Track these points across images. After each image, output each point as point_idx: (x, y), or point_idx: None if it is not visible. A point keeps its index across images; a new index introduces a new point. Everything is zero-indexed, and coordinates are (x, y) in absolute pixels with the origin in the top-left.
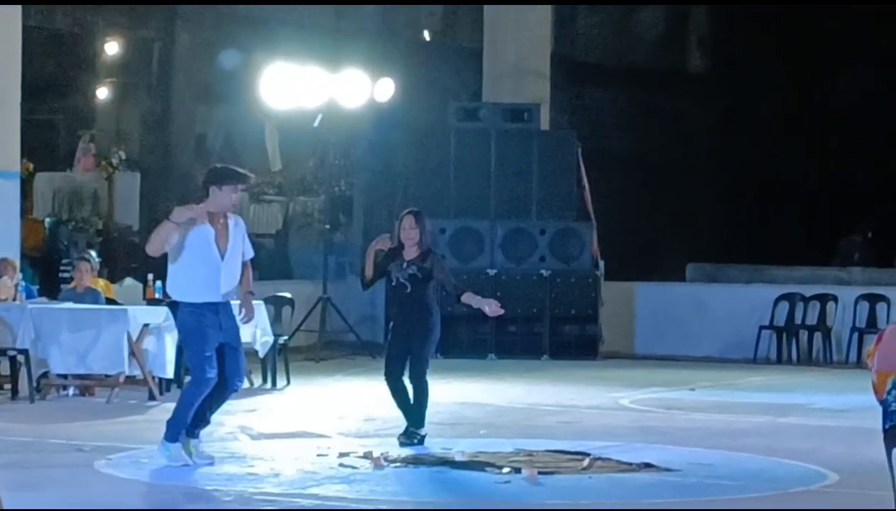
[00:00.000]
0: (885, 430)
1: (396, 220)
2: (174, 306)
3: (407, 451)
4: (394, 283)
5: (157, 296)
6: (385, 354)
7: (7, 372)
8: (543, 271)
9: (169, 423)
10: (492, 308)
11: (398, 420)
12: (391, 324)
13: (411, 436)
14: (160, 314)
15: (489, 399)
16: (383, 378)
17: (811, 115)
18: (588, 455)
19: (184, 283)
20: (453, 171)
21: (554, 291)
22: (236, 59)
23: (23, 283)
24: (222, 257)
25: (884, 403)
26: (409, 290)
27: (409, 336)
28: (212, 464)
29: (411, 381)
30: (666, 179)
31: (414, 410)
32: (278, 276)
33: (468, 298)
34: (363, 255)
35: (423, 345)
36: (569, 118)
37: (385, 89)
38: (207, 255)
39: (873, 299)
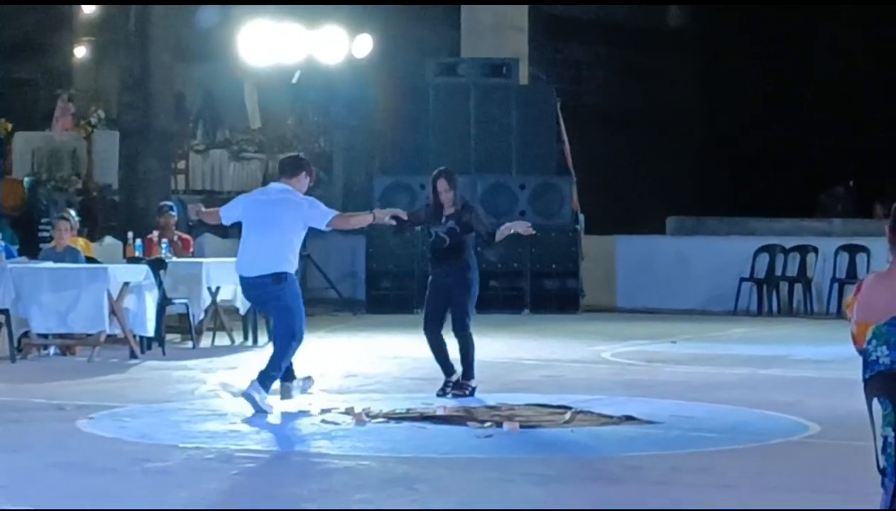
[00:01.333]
0: (865, 381)
1: (429, 182)
2: (280, 278)
3: (387, 407)
4: (433, 238)
5: (137, 254)
6: (424, 309)
7: None
8: None
9: (267, 373)
10: (524, 228)
11: (379, 376)
12: (429, 278)
13: (461, 387)
14: (140, 272)
15: None
16: (423, 332)
17: (791, 68)
18: (570, 408)
19: (295, 258)
20: (432, 126)
21: (534, 246)
22: (214, 16)
23: (2, 244)
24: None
25: (864, 353)
26: (447, 243)
27: (448, 289)
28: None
29: (455, 333)
30: (646, 133)
31: (462, 363)
32: None
33: (502, 233)
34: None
35: (464, 296)
36: (548, 73)
37: (363, 45)
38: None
39: (853, 250)
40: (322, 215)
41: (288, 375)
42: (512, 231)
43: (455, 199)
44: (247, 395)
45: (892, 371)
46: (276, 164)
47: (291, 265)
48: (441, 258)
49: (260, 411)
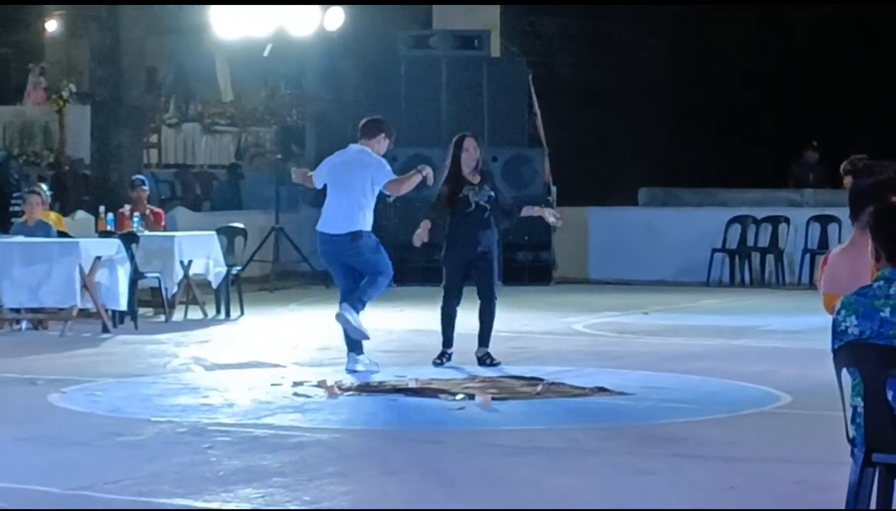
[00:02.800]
0: (834, 351)
1: (451, 145)
2: (357, 236)
3: (356, 380)
4: (472, 207)
5: (108, 228)
6: (446, 281)
7: None
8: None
9: (357, 296)
10: (553, 217)
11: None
12: (455, 251)
13: (490, 357)
14: (112, 246)
15: None
16: (441, 305)
17: (762, 38)
18: (541, 380)
19: (369, 216)
20: (404, 99)
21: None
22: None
23: None
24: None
25: (833, 324)
26: (487, 212)
27: (479, 264)
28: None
29: (486, 303)
30: (617, 105)
31: (488, 333)
32: (230, 207)
33: (527, 211)
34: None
35: (495, 265)
36: (520, 45)
37: (335, 18)
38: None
39: (825, 220)
40: (383, 178)
41: (358, 348)
42: (536, 213)
43: (478, 163)
44: (339, 317)
45: (861, 341)
46: (249, 136)
47: (365, 223)
48: (476, 228)
49: (355, 332)
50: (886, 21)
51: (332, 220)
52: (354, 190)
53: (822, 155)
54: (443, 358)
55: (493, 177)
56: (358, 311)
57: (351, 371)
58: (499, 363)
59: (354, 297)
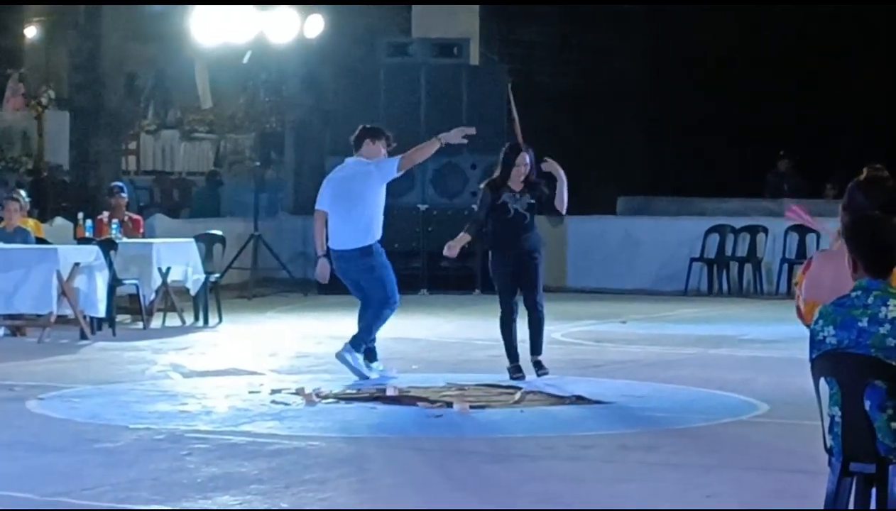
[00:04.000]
0: (811, 361)
1: (502, 154)
2: (367, 251)
3: (338, 387)
4: (511, 214)
5: (87, 234)
6: (501, 293)
7: None
8: (475, 206)
9: (359, 335)
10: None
11: (330, 357)
12: (500, 257)
13: (539, 366)
14: (90, 253)
15: (421, 334)
16: (501, 321)
17: (739, 48)
18: (519, 388)
19: (378, 228)
20: (383, 106)
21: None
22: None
23: None
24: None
25: (811, 333)
26: (528, 220)
27: (525, 266)
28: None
29: (535, 309)
30: (596, 114)
31: (539, 340)
32: (209, 214)
33: (547, 166)
34: (296, 192)
35: (540, 272)
36: (499, 53)
37: (314, 26)
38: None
39: (803, 230)
40: (391, 167)
41: (372, 356)
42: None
43: (529, 175)
44: (340, 357)
45: (839, 351)
46: (228, 143)
47: (374, 236)
48: (519, 235)
49: (357, 373)
50: (861, 30)
51: (342, 237)
52: (361, 203)
53: (796, 164)
54: (517, 372)
55: (540, 184)
56: (360, 351)
57: (365, 378)
58: (546, 372)
59: (357, 337)
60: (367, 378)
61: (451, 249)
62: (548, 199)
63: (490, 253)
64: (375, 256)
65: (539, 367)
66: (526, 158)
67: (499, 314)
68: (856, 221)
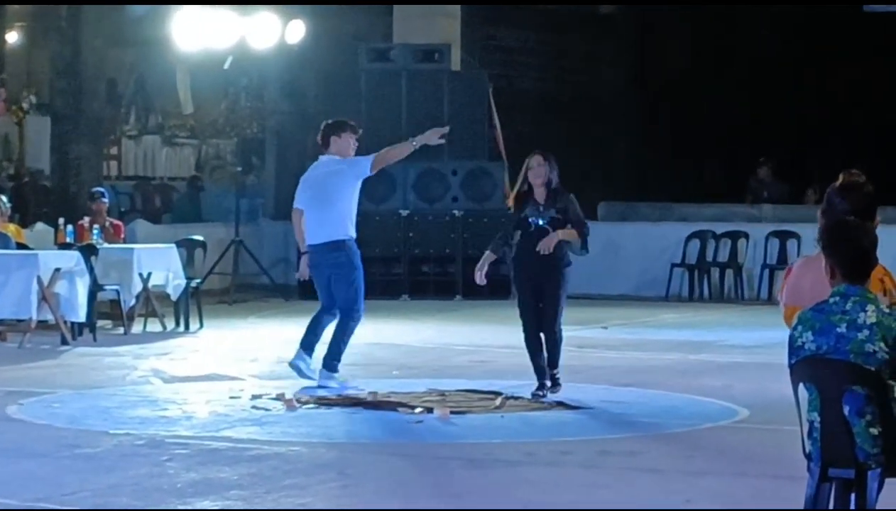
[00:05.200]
0: (790, 367)
1: (525, 164)
2: (337, 245)
3: (320, 392)
4: (532, 229)
5: (68, 240)
6: (521, 310)
7: None
8: (456, 212)
9: (330, 356)
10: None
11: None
12: (520, 272)
13: (555, 381)
14: (71, 258)
15: (402, 339)
16: (524, 338)
17: (721, 54)
18: (500, 394)
19: (351, 224)
20: (364, 112)
21: (467, 232)
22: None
23: None
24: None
25: (790, 339)
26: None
27: (544, 284)
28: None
29: (550, 330)
30: (577, 119)
31: (554, 358)
32: (190, 219)
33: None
34: (276, 197)
35: (560, 292)
36: (480, 58)
37: (296, 31)
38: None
39: (784, 236)
40: (363, 166)
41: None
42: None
43: (549, 181)
44: (293, 366)
45: (818, 356)
46: (209, 149)
47: (347, 232)
48: (538, 251)
49: (304, 377)
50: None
51: (315, 231)
52: (332, 199)
53: (778, 171)
54: (541, 390)
55: (566, 196)
56: (336, 370)
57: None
58: (558, 388)
59: (330, 355)
60: (313, 379)
61: (479, 273)
62: (576, 218)
63: (512, 266)
64: (347, 253)
65: (551, 383)
66: (540, 159)
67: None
68: (832, 227)
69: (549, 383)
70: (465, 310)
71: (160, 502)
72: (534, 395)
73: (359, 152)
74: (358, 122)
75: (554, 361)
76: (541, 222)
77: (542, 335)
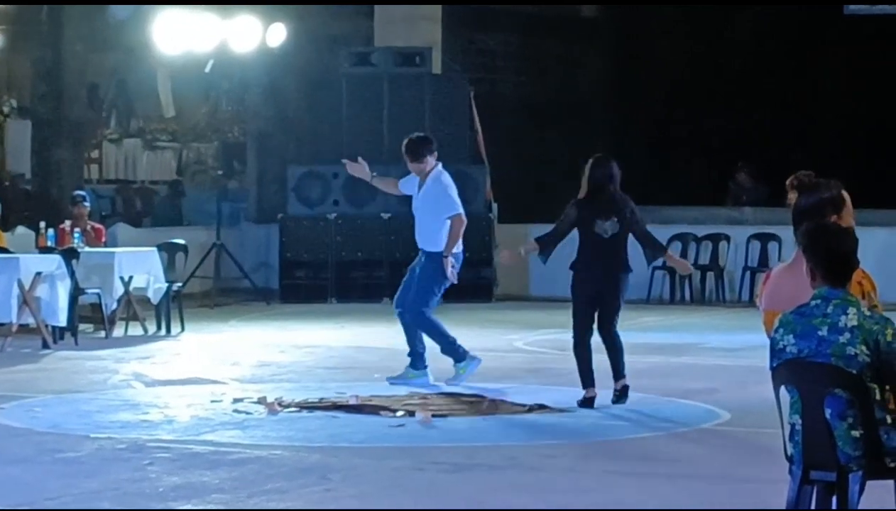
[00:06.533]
0: (772, 369)
1: (584, 164)
2: (428, 256)
3: (300, 396)
4: (597, 236)
5: (49, 244)
6: (576, 317)
7: None
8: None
9: (448, 351)
10: (683, 267)
11: (292, 365)
12: (585, 280)
13: (623, 391)
14: (52, 262)
15: (383, 343)
16: (573, 344)
17: (703, 57)
18: (482, 397)
19: (438, 240)
20: (346, 116)
21: None
22: (128, 7)
23: None
24: (415, 212)
25: (771, 342)
26: (614, 243)
27: (603, 291)
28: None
29: (610, 336)
30: (558, 122)
31: (620, 364)
32: (171, 223)
33: (669, 257)
34: (258, 201)
35: (619, 301)
36: (461, 62)
37: (277, 35)
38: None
39: (765, 238)
40: (442, 209)
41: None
42: (674, 265)
43: (614, 191)
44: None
45: (799, 359)
46: (190, 152)
47: (435, 245)
48: (604, 258)
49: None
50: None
51: (418, 236)
52: (424, 214)
53: (757, 173)
54: (587, 402)
55: (627, 203)
56: (459, 356)
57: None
58: (623, 400)
59: (448, 350)
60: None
61: (523, 249)
62: (639, 228)
63: (572, 272)
64: (429, 263)
65: (620, 392)
66: (600, 163)
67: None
68: (813, 230)
69: (618, 390)
70: (447, 313)
71: (142, 506)
72: (580, 403)
73: (339, 158)
74: (339, 126)
75: (618, 370)
76: (609, 230)
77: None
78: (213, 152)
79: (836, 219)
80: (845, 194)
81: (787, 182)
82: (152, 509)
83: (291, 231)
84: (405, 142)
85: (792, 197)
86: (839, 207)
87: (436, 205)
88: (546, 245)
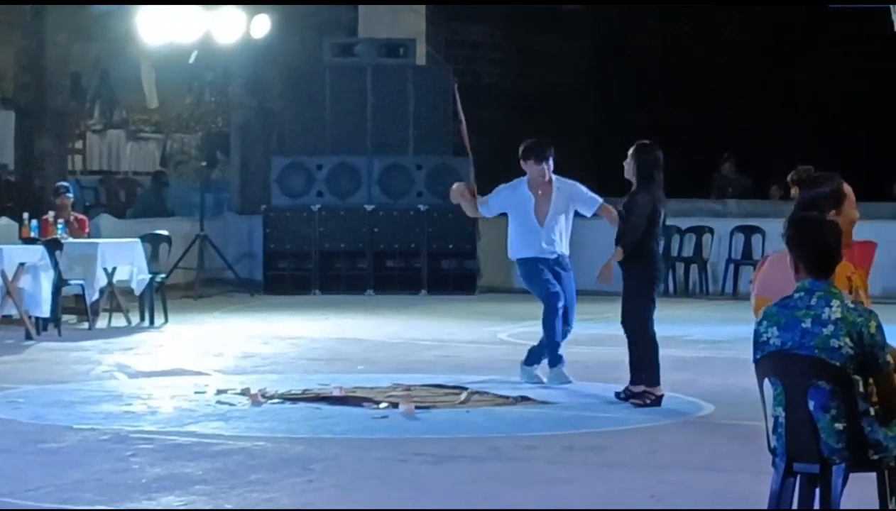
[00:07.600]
0: (756, 362)
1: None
2: (518, 263)
3: (284, 388)
4: (660, 227)
5: (32, 234)
6: (653, 310)
7: None
8: (421, 206)
9: (545, 350)
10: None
11: (275, 357)
12: (659, 268)
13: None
14: (36, 253)
15: (367, 334)
16: (654, 336)
17: (685, 50)
18: (465, 389)
19: (512, 243)
20: (329, 107)
21: (432, 227)
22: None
23: None
24: (541, 222)
25: (755, 334)
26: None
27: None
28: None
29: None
30: (541, 114)
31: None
32: (154, 214)
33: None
34: (242, 192)
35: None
36: (445, 53)
37: (261, 26)
38: (525, 221)
39: (748, 231)
40: (590, 199)
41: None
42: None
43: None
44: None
45: (783, 351)
46: (174, 143)
47: (517, 252)
48: (660, 249)
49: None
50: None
51: (561, 245)
52: (569, 217)
53: (742, 166)
54: (655, 402)
55: (633, 195)
56: (556, 361)
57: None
58: (625, 399)
59: (547, 352)
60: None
61: (608, 273)
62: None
63: (646, 261)
64: (521, 269)
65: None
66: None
67: (649, 337)
68: (796, 223)
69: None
70: (430, 304)
71: (125, 497)
72: (655, 402)
73: (323, 149)
74: (322, 117)
75: (632, 372)
76: (665, 219)
77: None
78: (196, 143)
79: (835, 213)
80: (847, 188)
81: (788, 178)
82: (135, 502)
83: (275, 222)
84: (529, 144)
85: (794, 192)
86: (838, 201)
87: (583, 200)
88: (629, 246)
